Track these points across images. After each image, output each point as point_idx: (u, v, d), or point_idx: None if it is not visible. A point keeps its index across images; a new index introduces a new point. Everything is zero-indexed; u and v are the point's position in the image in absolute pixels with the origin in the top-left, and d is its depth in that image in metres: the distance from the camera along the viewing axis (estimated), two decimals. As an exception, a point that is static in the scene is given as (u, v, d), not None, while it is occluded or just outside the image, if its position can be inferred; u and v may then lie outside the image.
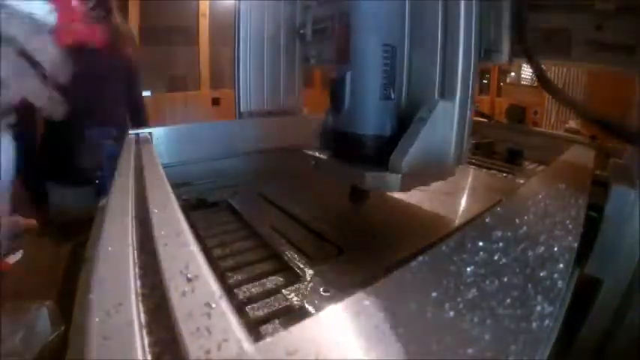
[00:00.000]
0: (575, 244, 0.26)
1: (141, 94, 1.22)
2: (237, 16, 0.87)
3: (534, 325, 0.17)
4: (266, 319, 0.33)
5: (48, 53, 0.34)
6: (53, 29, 0.36)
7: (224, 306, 0.20)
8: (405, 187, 0.36)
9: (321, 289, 0.37)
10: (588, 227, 0.34)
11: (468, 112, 0.39)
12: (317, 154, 0.41)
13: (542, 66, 0.43)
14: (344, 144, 0.39)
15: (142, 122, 1.17)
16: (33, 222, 0.76)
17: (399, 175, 0.35)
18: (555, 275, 0.21)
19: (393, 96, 0.37)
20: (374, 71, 0.37)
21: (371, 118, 0.37)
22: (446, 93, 0.37)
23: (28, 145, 1.01)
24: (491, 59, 0.45)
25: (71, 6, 0.38)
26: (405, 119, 0.38)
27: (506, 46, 0.45)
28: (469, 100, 0.38)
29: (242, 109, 0.92)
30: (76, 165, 0.96)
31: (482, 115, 1.37)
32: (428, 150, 0.36)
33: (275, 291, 0.37)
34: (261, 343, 0.16)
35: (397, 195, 0.66)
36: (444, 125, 0.37)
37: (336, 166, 0.39)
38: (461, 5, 0.35)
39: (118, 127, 0.96)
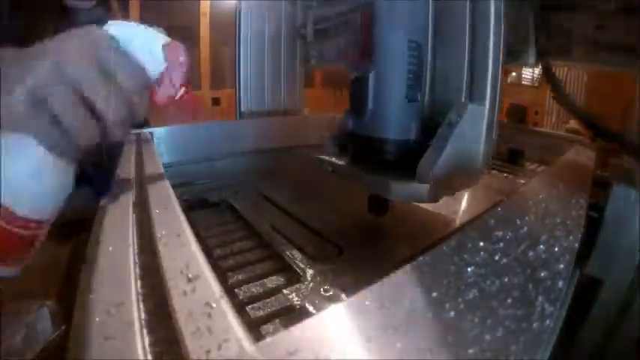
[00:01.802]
0: (576, 245, 0.26)
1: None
2: (238, 15, 0.87)
3: (535, 325, 0.17)
4: (266, 319, 0.33)
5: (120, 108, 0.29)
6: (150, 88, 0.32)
7: (224, 306, 0.20)
8: (433, 198, 0.34)
9: (322, 289, 0.37)
10: (589, 227, 0.34)
11: (495, 116, 0.37)
12: (334, 159, 0.39)
13: (552, 67, 0.43)
14: (365, 148, 0.36)
15: (142, 122, 1.17)
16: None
17: (427, 185, 0.32)
18: (556, 276, 0.21)
19: (419, 97, 0.35)
20: (399, 70, 0.34)
21: (395, 121, 0.35)
22: (475, 96, 0.34)
23: None
24: (518, 60, 0.44)
25: (180, 91, 0.35)
26: (429, 123, 0.35)
27: (532, 47, 0.44)
28: (497, 103, 0.36)
29: (243, 109, 0.92)
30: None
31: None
32: (456, 157, 0.33)
33: (275, 291, 0.37)
34: (261, 343, 0.16)
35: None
36: (473, 130, 0.34)
37: (357, 174, 0.37)
38: (491, 4, 0.33)
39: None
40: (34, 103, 0.26)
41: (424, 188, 0.32)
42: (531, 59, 0.45)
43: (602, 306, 0.39)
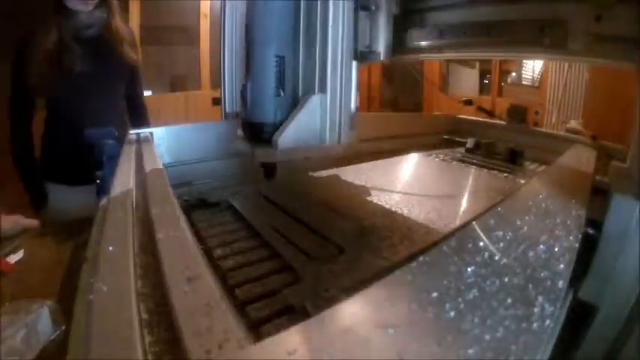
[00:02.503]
0: (576, 245, 0.26)
1: (142, 94, 1.21)
2: (223, 15, 0.86)
3: (535, 325, 0.17)
4: (266, 319, 0.33)
5: None
6: None
7: (224, 306, 0.20)
8: (281, 158, 0.49)
9: (322, 289, 0.37)
10: (584, 246, 0.29)
11: (344, 103, 0.51)
12: (240, 140, 0.54)
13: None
14: (250, 130, 0.52)
15: (142, 122, 1.17)
16: (35, 222, 0.76)
17: (278, 149, 0.47)
18: (556, 276, 0.21)
19: (282, 94, 0.50)
20: (267, 77, 0.49)
21: (265, 111, 0.50)
22: (320, 88, 0.49)
23: (25, 145, 1.01)
24: (368, 59, 0.57)
25: None
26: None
27: (382, 48, 0.57)
28: (342, 93, 0.51)
29: (228, 110, 0.90)
30: (77, 165, 0.96)
31: (485, 111, 1.37)
32: (304, 131, 0.49)
33: (275, 291, 0.37)
34: (261, 343, 0.16)
35: (398, 195, 0.66)
36: (318, 113, 0.50)
37: (240, 145, 0.53)
38: (329, 18, 0.47)
39: (118, 126, 0.96)
40: None
41: (276, 151, 0.47)
42: (381, 57, 0.56)
43: (596, 336, 0.33)
